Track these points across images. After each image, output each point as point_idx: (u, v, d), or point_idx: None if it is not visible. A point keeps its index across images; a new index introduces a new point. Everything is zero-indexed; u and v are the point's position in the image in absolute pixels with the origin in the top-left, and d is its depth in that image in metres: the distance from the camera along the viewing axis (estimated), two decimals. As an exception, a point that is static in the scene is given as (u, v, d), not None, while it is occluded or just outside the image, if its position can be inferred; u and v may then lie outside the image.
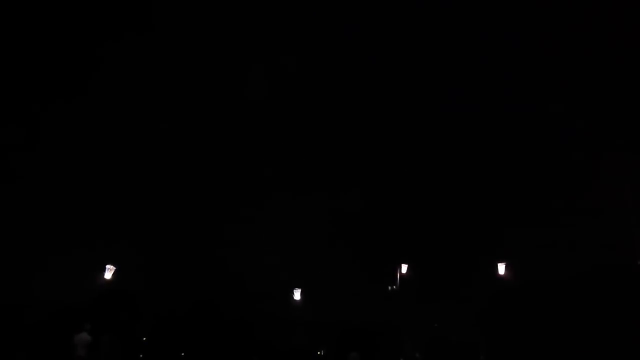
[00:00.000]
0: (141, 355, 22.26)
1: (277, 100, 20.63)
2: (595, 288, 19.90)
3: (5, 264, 19.29)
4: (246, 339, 23.89)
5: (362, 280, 23.74)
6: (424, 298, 23.19)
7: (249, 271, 24.13)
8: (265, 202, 23.93)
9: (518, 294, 21.43)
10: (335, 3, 17.65)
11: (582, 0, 16.46)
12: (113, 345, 15.96)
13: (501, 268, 20.41)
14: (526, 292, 21.37)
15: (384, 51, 19.03)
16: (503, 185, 20.87)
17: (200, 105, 21.08)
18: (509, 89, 19.20)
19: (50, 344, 17.42)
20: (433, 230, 22.93)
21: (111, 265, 21.16)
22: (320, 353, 25.84)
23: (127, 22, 17.88)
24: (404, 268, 21.91)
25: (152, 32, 18.25)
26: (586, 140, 18.93)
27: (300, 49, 19.06)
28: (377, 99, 20.65)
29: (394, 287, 22.10)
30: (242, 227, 24.13)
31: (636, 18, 16.07)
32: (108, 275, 21.11)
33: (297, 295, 24.46)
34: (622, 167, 18.64)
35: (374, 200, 23.01)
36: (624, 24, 16.27)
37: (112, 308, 21.32)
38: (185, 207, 23.77)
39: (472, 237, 22.25)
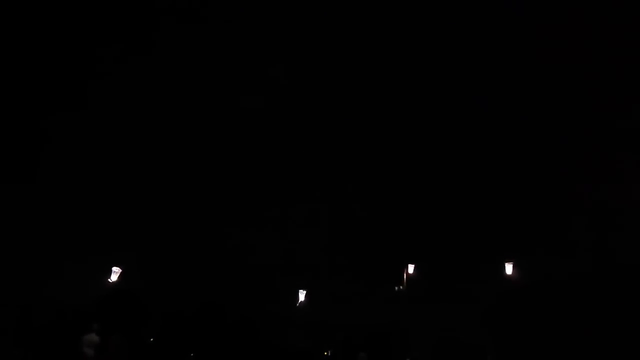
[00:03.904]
0: (149, 356, 22.23)
1: (277, 105, 20.68)
2: (603, 288, 19.80)
3: (15, 266, 19.37)
4: (253, 340, 23.84)
5: (369, 280, 23.67)
6: (431, 298, 23.10)
7: (256, 272, 24.11)
8: (271, 204, 23.93)
9: (525, 294, 21.32)
10: (328, 6, 17.65)
11: (583, 3, 16.46)
12: (121, 346, 15.94)
13: (508, 268, 20.27)
14: (533, 292, 21.26)
15: (381, 50, 19.00)
16: (510, 186, 20.83)
17: (205, 113, 21.17)
18: (513, 90, 19.17)
19: (58, 344, 17.43)
20: (440, 231, 22.89)
21: (117, 268, 21.13)
22: (327, 354, 25.78)
23: (129, 37, 18.00)
24: (411, 268, 21.80)
25: (154, 46, 18.39)
26: (591, 141, 18.90)
27: (297, 54, 19.10)
28: (382, 99, 20.63)
29: (401, 287, 21.98)
30: (248, 229, 24.14)
31: (636, 18, 16.06)
32: (114, 277, 21.08)
33: (302, 296, 24.39)
34: (629, 167, 18.58)
35: (382, 202, 23.00)
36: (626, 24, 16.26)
37: (119, 309, 21.33)
38: (191, 211, 23.80)
39: (479, 237, 22.18)
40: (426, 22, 17.49)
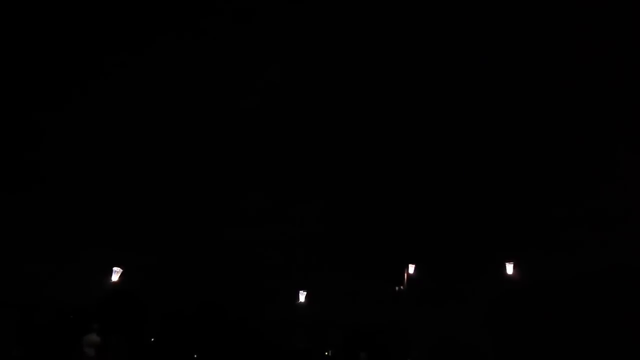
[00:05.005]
0: (149, 356, 22.31)
1: (275, 106, 20.70)
2: (606, 289, 19.78)
3: (15, 266, 19.43)
4: (253, 340, 23.89)
5: (369, 280, 23.68)
6: (431, 299, 23.10)
7: (255, 272, 24.13)
8: (271, 203, 23.95)
9: (527, 295, 21.32)
10: (324, 7, 17.61)
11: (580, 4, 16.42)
12: (121, 346, 15.98)
13: (509, 268, 20.29)
14: (535, 293, 21.25)
15: (379, 49, 18.96)
16: (512, 185, 20.79)
17: (203, 114, 21.21)
18: (513, 90, 19.15)
19: (59, 344, 17.49)
20: (441, 231, 22.85)
21: (118, 267, 21.21)
22: (328, 354, 25.83)
23: (126, 38, 18.03)
24: (412, 269, 21.83)
25: (151, 46, 18.42)
26: (591, 141, 18.88)
27: (293, 54, 19.08)
28: (381, 98, 20.64)
29: (401, 287, 22.01)
30: (248, 229, 24.16)
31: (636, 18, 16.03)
32: (115, 277, 21.17)
33: (302, 296, 24.43)
34: (629, 166, 18.56)
35: (382, 201, 22.97)
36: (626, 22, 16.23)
37: (120, 309, 21.41)
38: (190, 210, 23.83)
39: (480, 237, 22.15)
40: (425, 20, 17.45)
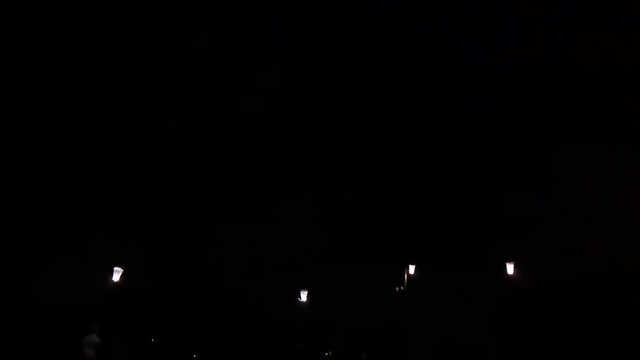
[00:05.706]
0: (150, 357, 22.31)
1: (275, 106, 20.68)
2: (607, 289, 19.75)
3: (15, 266, 19.41)
4: (253, 341, 23.90)
5: (369, 281, 23.68)
6: (432, 299, 23.09)
7: (256, 272, 24.14)
8: (271, 203, 23.95)
9: (528, 295, 21.30)
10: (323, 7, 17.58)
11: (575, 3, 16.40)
12: (121, 346, 15.98)
13: (510, 268, 20.28)
14: (536, 293, 21.23)
15: (378, 49, 18.95)
16: (513, 185, 20.80)
17: (202, 111, 21.20)
18: (513, 90, 19.15)
19: (59, 345, 17.50)
20: (441, 231, 22.85)
21: (119, 267, 21.21)
22: (328, 354, 25.83)
23: (125, 37, 18.01)
24: (412, 269, 21.84)
25: (150, 45, 18.39)
26: (590, 140, 18.87)
27: (292, 55, 19.06)
28: (380, 98, 20.63)
29: (402, 288, 22.02)
30: (248, 228, 24.17)
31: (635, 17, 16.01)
32: (116, 277, 21.18)
33: (303, 296, 24.43)
34: (629, 166, 18.53)
35: (383, 201, 22.98)
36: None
37: (120, 309, 21.41)
38: (191, 210, 23.83)
39: (481, 237, 22.15)
40: (424, 22, 17.46)
